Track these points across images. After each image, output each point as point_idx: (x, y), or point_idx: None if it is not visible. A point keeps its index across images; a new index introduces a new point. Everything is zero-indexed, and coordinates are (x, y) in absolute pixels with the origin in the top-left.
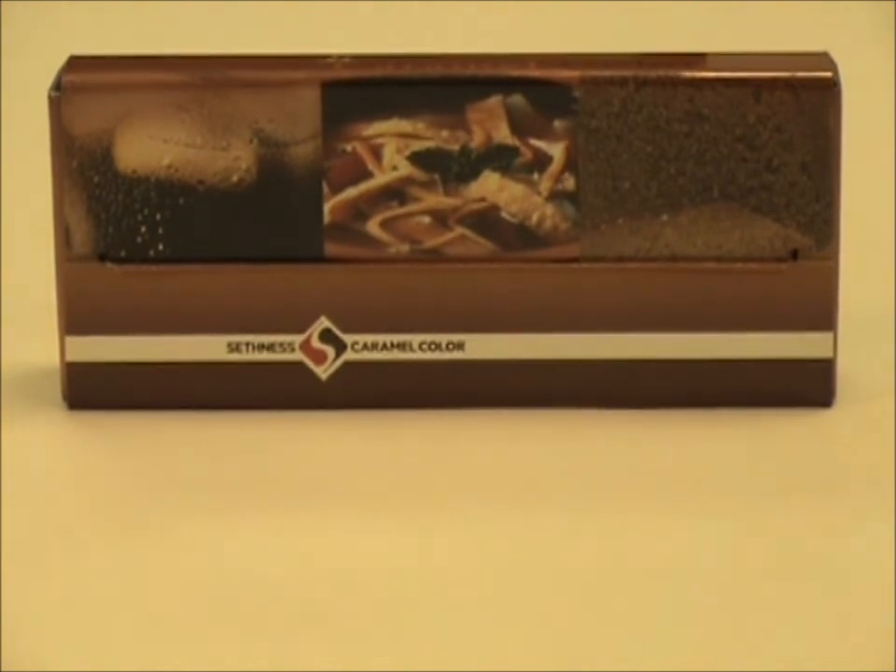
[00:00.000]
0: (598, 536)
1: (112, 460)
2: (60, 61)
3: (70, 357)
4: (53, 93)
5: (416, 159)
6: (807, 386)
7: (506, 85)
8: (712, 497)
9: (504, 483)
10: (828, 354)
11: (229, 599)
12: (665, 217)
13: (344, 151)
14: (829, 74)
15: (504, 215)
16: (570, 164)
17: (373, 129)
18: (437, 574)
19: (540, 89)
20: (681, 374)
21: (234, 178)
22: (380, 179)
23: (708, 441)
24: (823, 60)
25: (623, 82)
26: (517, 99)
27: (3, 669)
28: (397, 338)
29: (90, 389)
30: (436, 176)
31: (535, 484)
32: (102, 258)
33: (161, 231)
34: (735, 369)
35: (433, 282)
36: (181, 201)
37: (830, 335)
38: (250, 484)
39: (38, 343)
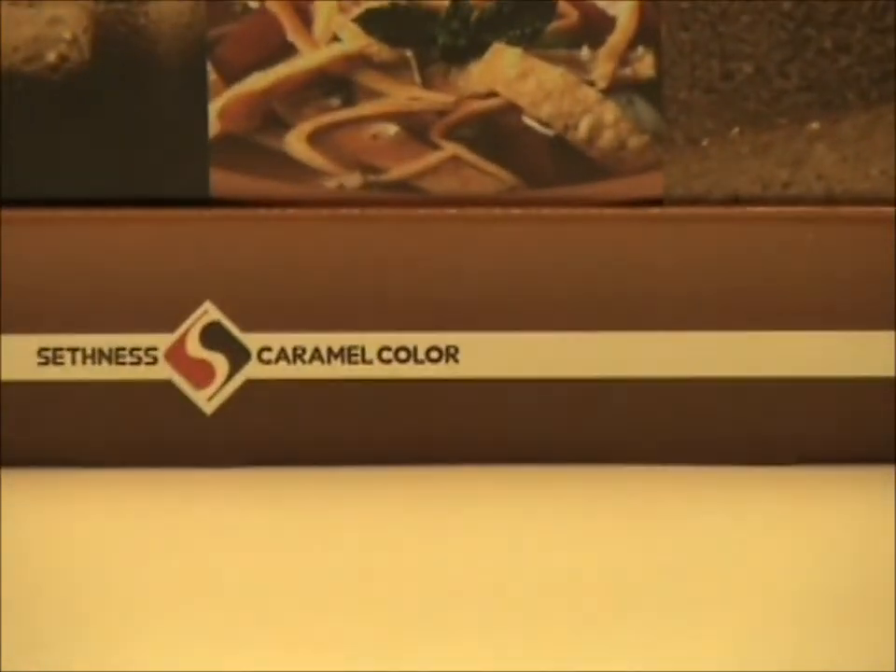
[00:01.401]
0: None
1: None
2: None
3: None
4: None
5: (373, 22)
6: None
7: None
8: None
9: None
10: None
11: None
12: (815, 126)
13: (245, 8)
14: None
15: (529, 121)
16: (646, 32)
17: None
18: None
19: None
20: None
21: (52, 56)
22: (309, 59)
23: None
24: None
25: None
26: None
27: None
28: (336, 339)
29: None
30: (408, 54)
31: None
32: None
33: None
34: None
35: (402, 242)
36: None
37: None
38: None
39: None
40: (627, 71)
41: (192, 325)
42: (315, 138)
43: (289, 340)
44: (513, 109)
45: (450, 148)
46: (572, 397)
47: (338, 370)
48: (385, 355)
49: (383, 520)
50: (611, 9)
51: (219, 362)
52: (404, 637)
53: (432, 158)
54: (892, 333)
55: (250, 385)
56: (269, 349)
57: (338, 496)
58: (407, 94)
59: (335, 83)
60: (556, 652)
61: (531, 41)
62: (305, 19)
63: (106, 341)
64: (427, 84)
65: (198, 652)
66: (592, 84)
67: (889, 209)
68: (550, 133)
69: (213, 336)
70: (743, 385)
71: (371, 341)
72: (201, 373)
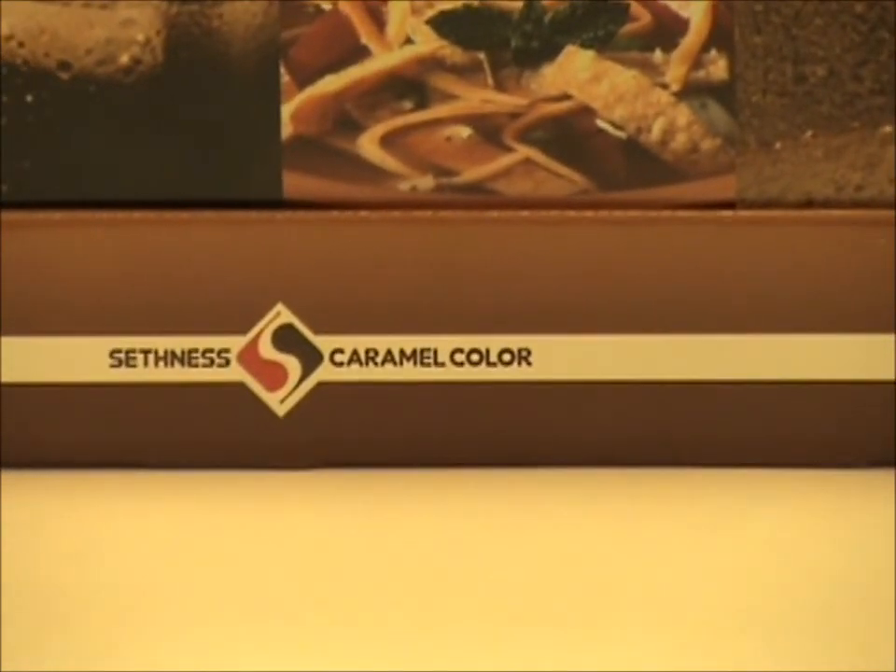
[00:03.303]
0: None
1: None
2: None
3: None
4: None
5: (446, 24)
6: None
7: None
8: None
9: None
10: None
11: None
12: (887, 129)
13: (318, 10)
14: None
15: (602, 124)
16: (720, 35)
17: None
18: None
19: None
20: None
21: (125, 59)
22: (382, 61)
23: None
24: None
25: None
26: None
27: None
28: (409, 342)
29: None
30: (481, 56)
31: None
32: None
33: None
34: None
35: (475, 244)
36: (29, 98)
37: None
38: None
39: None
40: (700, 74)
41: (265, 327)
42: (387, 140)
43: (362, 342)
44: (586, 112)
45: (523, 151)
46: (643, 399)
47: (410, 372)
48: (458, 357)
49: (454, 521)
50: (684, 11)
51: (292, 364)
52: (478, 643)
53: (505, 160)
54: None
55: (322, 387)
56: (341, 351)
57: (410, 497)
58: (480, 97)
59: (408, 85)
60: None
61: (604, 44)
62: (378, 21)
63: (179, 343)
64: (499, 86)
65: (266, 656)
66: (665, 87)
67: None
68: (623, 135)
69: (285, 338)
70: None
71: (444, 343)
72: (273, 375)
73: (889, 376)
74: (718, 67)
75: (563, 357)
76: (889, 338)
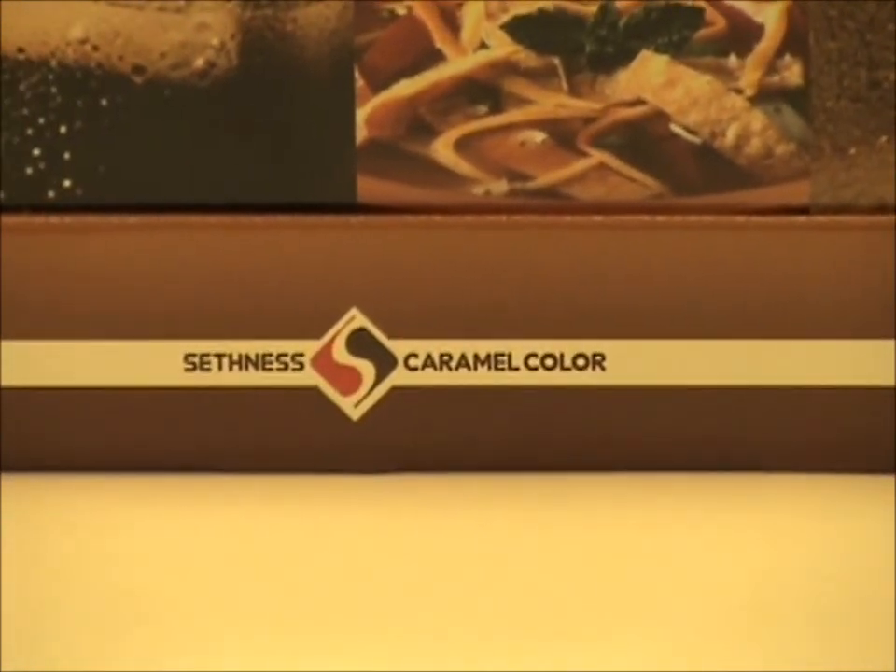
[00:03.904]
0: None
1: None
2: None
3: None
4: None
5: (520, 29)
6: None
7: None
8: None
9: None
10: None
11: None
12: None
13: (392, 14)
14: None
15: (676, 129)
16: (794, 41)
17: None
18: None
19: None
20: None
21: (199, 62)
22: (456, 65)
23: None
24: None
25: None
26: None
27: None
28: (483, 346)
29: None
30: (555, 61)
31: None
32: None
33: (67, 155)
34: None
35: (549, 249)
36: (104, 102)
37: None
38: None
39: None
40: (775, 79)
41: (339, 331)
42: (461, 145)
43: (436, 346)
44: (660, 117)
45: (597, 156)
46: (717, 404)
47: (484, 376)
48: (532, 362)
49: (528, 525)
50: (759, 17)
51: (366, 368)
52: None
53: (579, 165)
54: None
55: (396, 391)
56: (415, 356)
57: (483, 501)
58: (554, 101)
59: (482, 90)
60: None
61: (678, 48)
62: (452, 25)
63: (253, 347)
64: (574, 91)
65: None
66: (739, 92)
67: None
68: (697, 140)
69: (359, 342)
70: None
71: (518, 348)
72: (347, 380)
73: None
74: (792, 72)
75: (637, 362)
76: None
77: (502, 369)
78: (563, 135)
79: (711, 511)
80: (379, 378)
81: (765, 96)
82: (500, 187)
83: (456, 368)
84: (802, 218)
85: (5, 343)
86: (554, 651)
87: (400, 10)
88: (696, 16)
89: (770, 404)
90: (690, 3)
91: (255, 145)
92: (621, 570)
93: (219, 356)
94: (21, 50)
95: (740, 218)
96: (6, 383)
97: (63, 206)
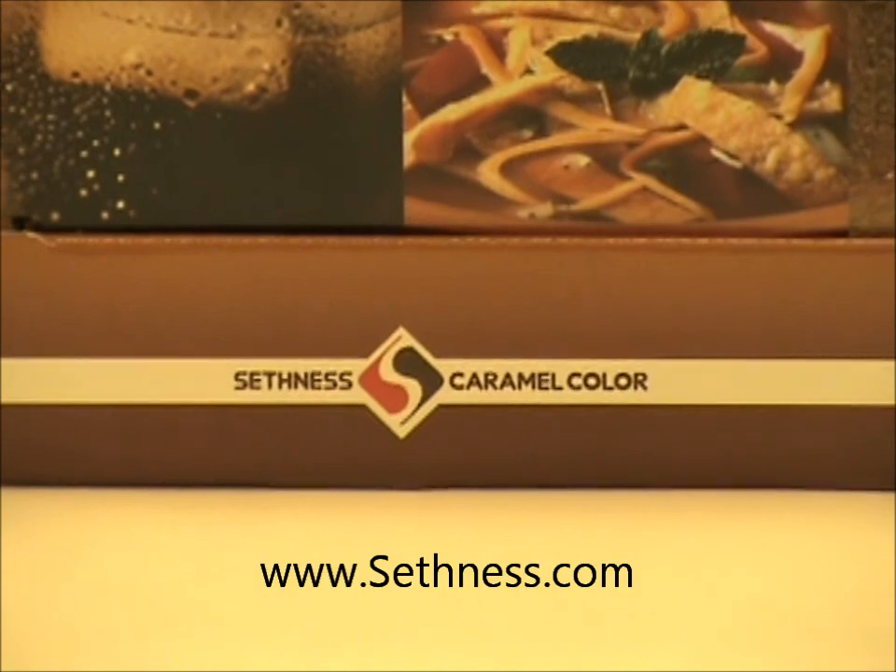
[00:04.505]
0: None
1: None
2: None
3: None
4: None
5: (566, 55)
6: None
7: None
8: None
9: None
10: None
11: None
12: None
13: (440, 41)
14: None
15: (718, 153)
16: (833, 68)
17: (490, 2)
18: None
19: None
20: None
21: (251, 87)
22: (502, 90)
23: None
24: None
25: None
26: None
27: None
28: (527, 366)
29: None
30: (599, 86)
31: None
32: (19, 223)
33: (121, 177)
34: None
35: (593, 271)
36: (157, 125)
37: None
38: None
39: None
40: (814, 105)
41: (386, 350)
42: (507, 168)
43: (481, 366)
44: (702, 141)
45: (640, 179)
46: (759, 423)
47: (528, 395)
48: (575, 381)
49: (570, 540)
50: (799, 44)
51: (412, 387)
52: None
53: (622, 188)
54: None
55: (442, 409)
56: (461, 375)
57: (528, 518)
58: (598, 126)
59: (528, 115)
60: None
61: (720, 75)
62: (499, 51)
63: (302, 365)
64: (617, 116)
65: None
66: (779, 117)
67: None
68: (738, 164)
69: (406, 362)
70: None
71: (561, 367)
72: (394, 398)
73: None
74: (831, 98)
75: (679, 382)
76: None
77: (546, 388)
78: (606, 159)
79: (753, 527)
80: (425, 396)
81: (805, 121)
82: (545, 210)
83: (501, 387)
84: (841, 241)
85: (63, 362)
86: (594, 664)
87: (448, 36)
88: (738, 43)
89: (813, 422)
90: (731, 30)
91: (305, 168)
92: (665, 584)
93: (269, 374)
94: (76, 75)
95: (780, 241)
96: (73, 400)
97: (117, 228)
